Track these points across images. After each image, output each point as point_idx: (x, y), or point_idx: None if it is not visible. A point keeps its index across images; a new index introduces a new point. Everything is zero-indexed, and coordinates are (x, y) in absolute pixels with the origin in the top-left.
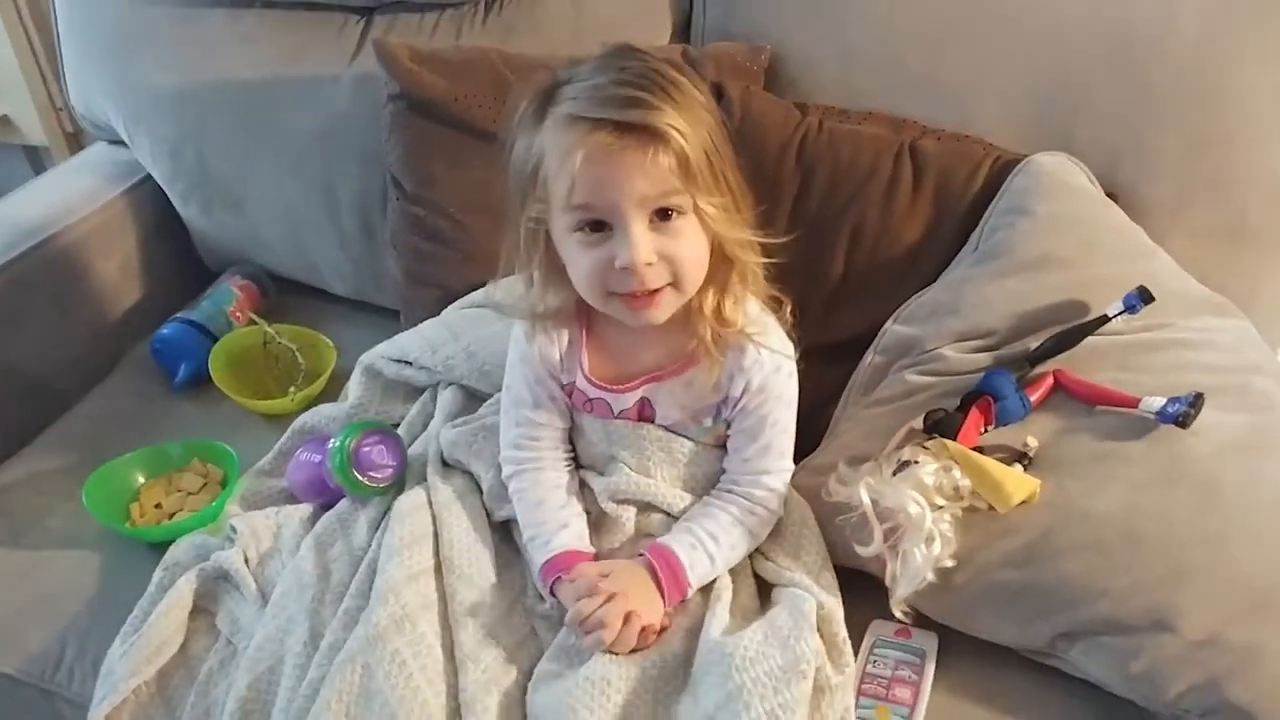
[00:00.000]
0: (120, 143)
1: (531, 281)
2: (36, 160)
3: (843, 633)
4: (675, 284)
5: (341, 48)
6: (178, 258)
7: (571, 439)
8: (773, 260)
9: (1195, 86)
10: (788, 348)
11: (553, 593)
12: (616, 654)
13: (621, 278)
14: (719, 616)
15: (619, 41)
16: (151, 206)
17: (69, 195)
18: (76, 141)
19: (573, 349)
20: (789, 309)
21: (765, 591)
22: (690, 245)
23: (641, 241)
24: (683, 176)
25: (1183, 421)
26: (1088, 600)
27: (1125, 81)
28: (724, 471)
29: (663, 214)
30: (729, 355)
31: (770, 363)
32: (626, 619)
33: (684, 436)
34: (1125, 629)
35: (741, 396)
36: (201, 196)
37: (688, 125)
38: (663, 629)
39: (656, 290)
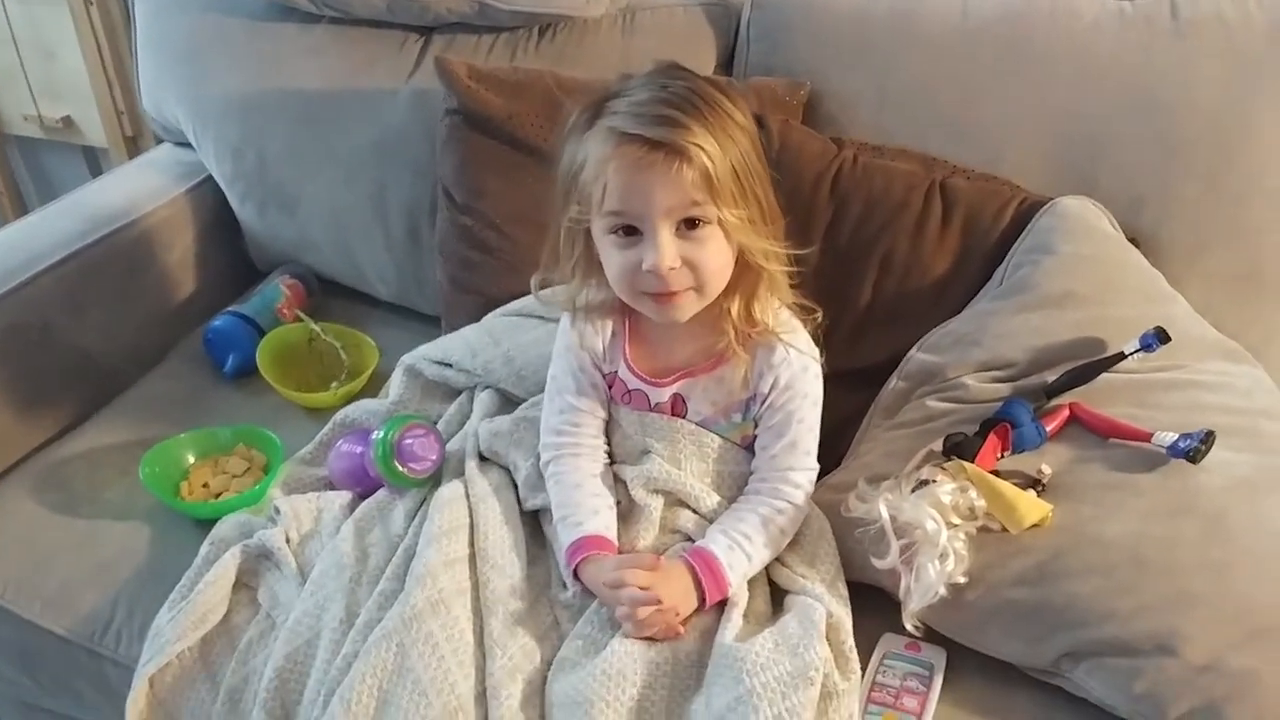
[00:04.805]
0: (185, 144)
1: (572, 276)
2: (94, 161)
3: (850, 641)
4: (697, 288)
5: (401, 63)
6: (230, 255)
7: (607, 433)
8: (799, 269)
9: (1215, 138)
10: (814, 350)
11: (575, 575)
12: (635, 640)
13: (648, 279)
14: (733, 621)
15: (669, 60)
16: (210, 206)
17: (137, 191)
18: (134, 144)
19: (615, 340)
20: (818, 316)
21: (778, 599)
22: (713, 253)
23: (666, 247)
24: (706, 190)
25: (1193, 457)
26: (1094, 621)
27: (1147, 130)
28: (751, 474)
29: (689, 223)
30: (758, 353)
31: (798, 362)
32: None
33: (714, 432)
34: (1129, 651)
35: (770, 393)
36: (258, 197)
37: (715, 143)
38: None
39: (679, 291)
